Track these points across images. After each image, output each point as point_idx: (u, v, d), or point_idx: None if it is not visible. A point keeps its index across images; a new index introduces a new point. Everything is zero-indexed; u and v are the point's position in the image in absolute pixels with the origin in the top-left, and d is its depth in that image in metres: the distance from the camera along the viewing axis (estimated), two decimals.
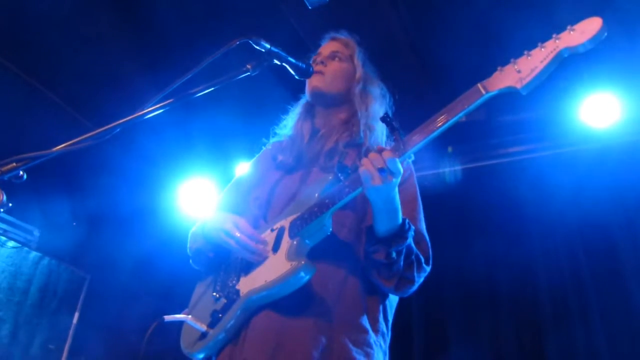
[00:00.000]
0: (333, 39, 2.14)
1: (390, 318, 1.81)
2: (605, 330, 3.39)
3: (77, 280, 4.76)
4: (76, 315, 4.66)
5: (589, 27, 1.31)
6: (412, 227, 1.65)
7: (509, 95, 1.43)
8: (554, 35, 1.35)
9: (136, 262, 4.77)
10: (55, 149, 1.15)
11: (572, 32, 1.34)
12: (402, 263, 1.62)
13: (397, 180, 1.51)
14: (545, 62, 1.34)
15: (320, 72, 1.96)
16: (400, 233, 1.60)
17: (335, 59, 2.04)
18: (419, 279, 1.69)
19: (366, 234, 1.66)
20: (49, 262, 4.57)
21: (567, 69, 3.53)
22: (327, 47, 2.10)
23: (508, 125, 4.01)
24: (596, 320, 3.44)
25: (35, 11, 3.41)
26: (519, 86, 1.38)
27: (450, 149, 4.07)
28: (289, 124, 2.12)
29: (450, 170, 4.12)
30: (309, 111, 2.09)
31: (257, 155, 2.18)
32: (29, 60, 3.81)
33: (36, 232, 4.57)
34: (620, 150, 3.64)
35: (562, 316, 3.57)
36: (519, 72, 1.38)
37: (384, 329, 1.73)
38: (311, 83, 1.97)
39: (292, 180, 1.88)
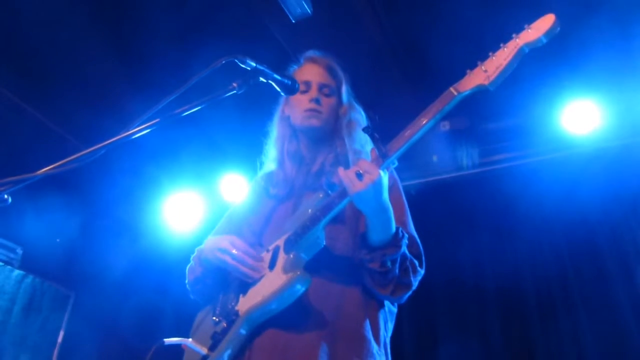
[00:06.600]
0: (314, 61, 2.10)
1: (391, 328, 1.83)
2: (590, 324, 3.54)
3: (62, 298, 4.68)
4: (61, 333, 4.58)
5: (543, 24, 1.46)
6: (406, 235, 1.67)
7: (483, 95, 1.54)
8: (514, 35, 1.49)
9: (122, 278, 4.70)
10: (38, 172, 1.14)
11: (529, 30, 1.48)
12: (397, 271, 1.64)
13: (379, 182, 1.52)
14: (508, 59, 1.48)
15: (317, 112, 1.99)
16: (394, 242, 1.62)
17: (325, 95, 2.03)
18: (415, 282, 1.73)
19: (360, 242, 1.68)
20: (33, 280, 4.49)
21: (549, 77, 3.60)
22: (314, 75, 2.05)
23: (491, 133, 4.07)
24: (581, 314, 3.59)
25: (21, 30, 3.39)
26: (486, 83, 1.50)
27: (435, 158, 4.11)
28: (273, 152, 2.12)
29: (436, 178, 4.18)
30: (292, 138, 2.09)
31: (248, 189, 2.22)
32: (15, 79, 3.76)
33: (19, 250, 4.48)
34: (600, 155, 3.74)
35: (549, 312, 3.72)
36: (485, 71, 1.50)
37: (386, 340, 1.75)
38: (310, 121, 1.99)
39: (286, 208, 1.92)
